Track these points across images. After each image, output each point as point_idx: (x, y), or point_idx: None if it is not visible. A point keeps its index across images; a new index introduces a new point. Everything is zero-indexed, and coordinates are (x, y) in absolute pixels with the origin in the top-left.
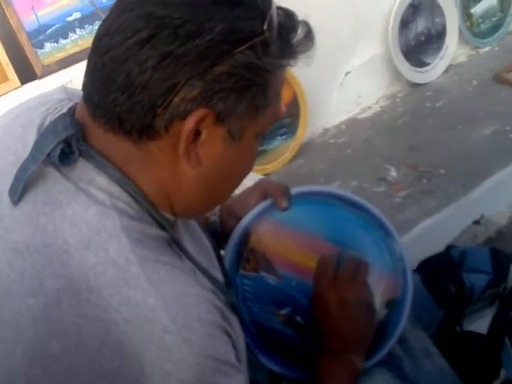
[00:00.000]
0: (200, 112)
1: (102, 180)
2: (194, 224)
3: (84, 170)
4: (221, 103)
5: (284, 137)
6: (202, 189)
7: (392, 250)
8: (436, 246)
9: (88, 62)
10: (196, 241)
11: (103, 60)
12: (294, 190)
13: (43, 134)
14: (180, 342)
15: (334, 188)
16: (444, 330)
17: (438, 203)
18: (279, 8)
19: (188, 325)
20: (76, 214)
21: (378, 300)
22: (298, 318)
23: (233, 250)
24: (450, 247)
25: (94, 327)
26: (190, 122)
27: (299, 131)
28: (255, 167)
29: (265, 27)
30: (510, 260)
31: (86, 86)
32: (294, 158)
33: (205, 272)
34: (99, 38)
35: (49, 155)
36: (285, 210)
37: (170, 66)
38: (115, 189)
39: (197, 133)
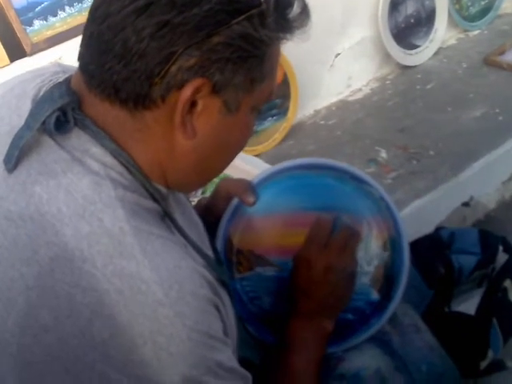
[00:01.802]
0: (197, 82)
1: (96, 150)
2: (184, 200)
3: (79, 139)
4: (217, 73)
5: (275, 118)
6: (196, 161)
7: (370, 194)
8: (425, 228)
9: (84, 32)
10: (186, 216)
11: (100, 28)
12: (255, 179)
13: (39, 102)
14: (173, 315)
15: (290, 161)
16: (433, 310)
17: (427, 185)
18: None
19: (181, 298)
20: (71, 183)
21: (376, 246)
22: None
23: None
24: (439, 228)
25: (86, 297)
26: (186, 92)
27: (290, 112)
28: (247, 148)
29: None
30: (499, 241)
31: (81, 55)
32: (284, 139)
33: (195, 247)
34: (96, 7)
35: (44, 123)
36: (253, 204)
37: (168, 35)
38: (109, 159)
39: (193, 103)
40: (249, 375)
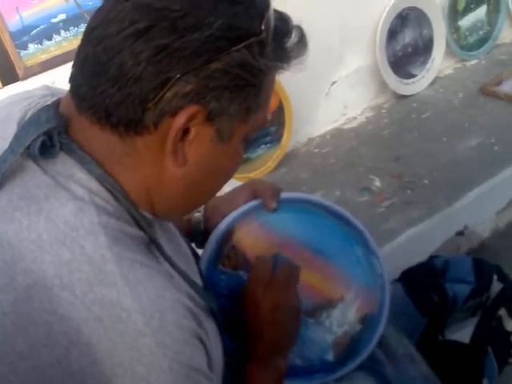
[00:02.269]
0: (192, 109)
1: (82, 175)
2: (172, 228)
3: (64, 164)
4: (213, 101)
5: (268, 145)
6: (185, 189)
7: (373, 267)
8: (419, 256)
9: (77, 53)
10: (174, 244)
11: (95, 50)
12: (284, 195)
13: (24, 126)
14: (154, 345)
15: (322, 198)
16: (426, 338)
17: (421, 214)
18: (275, 11)
19: (163, 328)
20: (53, 209)
21: (354, 315)
22: None
23: (214, 244)
24: (433, 257)
25: (63, 325)
26: (180, 119)
27: (284, 140)
28: (238, 175)
29: (262, 27)
30: (493, 270)
31: (73, 77)
32: (277, 167)
33: (183, 274)
34: (92, 29)
35: (29, 148)
36: (273, 210)
37: (165, 60)
38: (95, 184)
39: (185, 131)
40: None
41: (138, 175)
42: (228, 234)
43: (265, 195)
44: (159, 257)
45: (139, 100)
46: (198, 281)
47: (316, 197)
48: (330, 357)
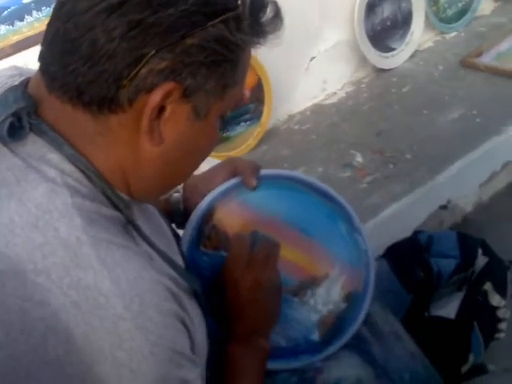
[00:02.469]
0: (167, 86)
1: (53, 156)
2: (151, 209)
3: (34, 145)
4: (189, 78)
5: (248, 123)
6: (161, 168)
7: (357, 244)
8: (402, 232)
9: (47, 30)
10: (153, 225)
11: (66, 27)
12: (264, 172)
13: None
14: (134, 329)
15: (303, 174)
16: (412, 315)
17: (403, 188)
18: None
19: (143, 312)
20: (24, 192)
21: (338, 293)
22: None
23: (195, 225)
24: (417, 232)
25: (39, 311)
26: (156, 96)
27: (263, 117)
28: (218, 154)
29: (238, 2)
30: (478, 244)
31: (42, 55)
32: (258, 145)
33: (163, 255)
34: (61, 5)
35: None
36: (254, 188)
37: (139, 36)
38: (67, 165)
39: (161, 109)
40: None
41: (112, 155)
42: (208, 213)
43: (244, 173)
44: (137, 238)
45: (113, 77)
46: (180, 262)
47: (297, 173)
48: (316, 336)
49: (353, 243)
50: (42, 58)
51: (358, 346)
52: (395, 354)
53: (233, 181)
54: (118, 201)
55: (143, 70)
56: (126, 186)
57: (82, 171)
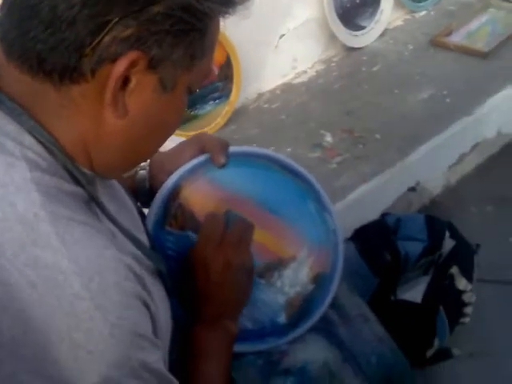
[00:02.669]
0: (132, 55)
1: (11, 128)
2: (116, 185)
3: None
4: (155, 47)
5: (217, 101)
6: (125, 142)
7: (325, 223)
8: (371, 214)
9: None
10: (118, 202)
11: None
12: (233, 149)
13: None
14: (93, 309)
15: (272, 152)
16: (378, 298)
17: (373, 169)
18: None
19: (103, 291)
20: None
21: (306, 274)
22: None
23: (160, 204)
24: (384, 214)
25: None
26: (120, 66)
27: (232, 96)
28: (186, 133)
29: None
30: (445, 227)
31: (0, 22)
32: (227, 124)
33: (127, 234)
34: None
35: None
36: (222, 166)
37: (101, 2)
38: (26, 137)
39: (126, 80)
40: (175, 381)
41: (74, 128)
42: (174, 192)
43: (213, 150)
44: (100, 215)
45: (74, 45)
46: (145, 241)
47: (267, 150)
48: (282, 319)
49: (322, 223)
50: None
51: (324, 328)
52: (362, 337)
53: (201, 158)
54: (80, 176)
55: (106, 38)
56: (89, 160)
57: (43, 144)
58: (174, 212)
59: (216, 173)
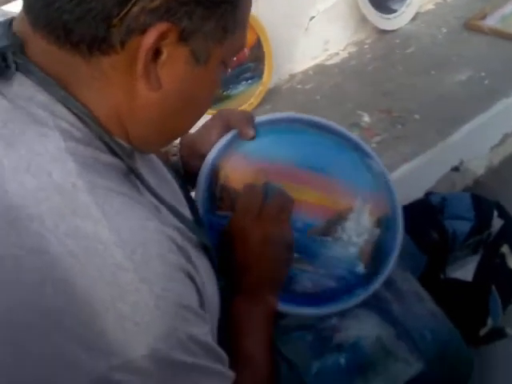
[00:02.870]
0: (161, 26)
1: (43, 98)
2: (155, 159)
3: (22, 86)
4: (185, 19)
5: (249, 81)
6: (159, 116)
7: (371, 168)
8: (414, 194)
9: None
10: (158, 175)
11: None
12: (258, 119)
13: None
14: (137, 281)
15: (295, 113)
16: (428, 276)
17: (413, 149)
18: None
19: (146, 262)
20: (12, 134)
21: (368, 221)
22: None
23: (204, 190)
24: (428, 194)
25: (34, 260)
26: (149, 38)
27: (265, 76)
28: None
29: None
30: (493, 207)
31: None
32: (260, 104)
33: (169, 207)
34: None
35: None
36: (252, 139)
37: None
38: (59, 108)
39: (157, 52)
40: (225, 355)
41: (107, 100)
42: (213, 175)
43: (239, 124)
44: (141, 188)
45: (102, 16)
46: (188, 214)
47: (292, 113)
48: (361, 268)
49: (367, 169)
50: None
51: (376, 305)
52: (415, 312)
53: (229, 135)
54: (118, 147)
55: (134, 9)
56: (125, 133)
57: (76, 114)
58: (219, 195)
59: (248, 146)
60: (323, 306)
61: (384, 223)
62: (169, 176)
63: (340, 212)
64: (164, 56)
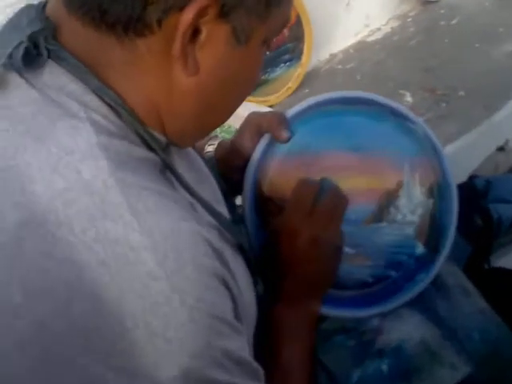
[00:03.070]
0: (201, 2)
1: (75, 87)
2: (193, 154)
3: (53, 74)
4: None
5: (287, 64)
6: (198, 103)
7: (413, 132)
8: (458, 176)
9: None
10: (196, 172)
11: None
12: (289, 113)
13: (2, 33)
14: (169, 290)
15: (323, 95)
16: (472, 267)
17: (459, 128)
18: None
19: (179, 270)
20: (41, 128)
21: (420, 191)
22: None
23: (250, 207)
24: (473, 177)
25: (61, 270)
26: (188, 14)
27: (304, 57)
28: (257, 99)
29: None
30: None
31: None
32: (299, 88)
33: (206, 206)
34: None
35: (11, 57)
36: (288, 140)
37: None
38: (91, 98)
39: (195, 31)
40: (261, 370)
41: (142, 87)
42: (256, 191)
43: (271, 128)
44: (176, 184)
45: None
46: (226, 214)
47: (318, 96)
48: (420, 249)
49: (409, 133)
50: None
51: (420, 302)
52: (462, 310)
53: (263, 141)
54: (153, 141)
55: None
56: (161, 124)
57: (109, 105)
58: (266, 208)
59: (286, 146)
60: (388, 302)
61: (437, 191)
62: (207, 172)
63: (389, 191)
64: (203, 35)
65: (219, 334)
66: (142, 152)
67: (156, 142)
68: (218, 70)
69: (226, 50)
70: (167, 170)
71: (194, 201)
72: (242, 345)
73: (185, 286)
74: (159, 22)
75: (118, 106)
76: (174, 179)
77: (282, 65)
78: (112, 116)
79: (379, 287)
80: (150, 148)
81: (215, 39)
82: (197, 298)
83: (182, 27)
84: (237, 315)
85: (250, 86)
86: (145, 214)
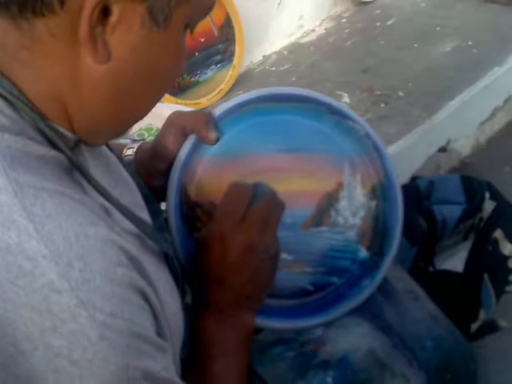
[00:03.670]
0: None
1: None
2: (110, 154)
3: None
4: None
5: (219, 66)
6: (111, 94)
7: (353, 131)
8: (400, 177)
9: None
10: (113, 174)
11: None
12: (217, 112)
13: None
14: (75, 305)
15: (257, 91)
16: (416, 270)
17: (399, 128)
18: None
19: (87, 281)
20: None
21: (361, 193)
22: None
23: (175, 215)
24: (415, 178)
25: None
26: None
27: (236, 58)
28: (188, 101)
29: None
30: (484, 188)
31: None
32: (231, 90)
33: (124, 210)
34: None
35: None
36: (216, 141)
37: None
38: None
39: (105, 12)
40: None
41: (43, 76)
42: (181, 196)
43: (196, 128)
44: (87, 186)
45: None
46: (147, 219)
47: (253, 92)
48: (363, 253)
49: (349, 132)
50: None
51: (367, 310)
52: (412, 317)
53: (188, 144)
54: (57, 138)
55: None
56: (67, 119)
57: (4, 97)
58: (193, 215)
59: (213, 148)
60: (331, 310)
61: (380, 192)
62: (125, 175)
63: (329, 193)
64: (114, 17)
65: (139, 353)
66: (42, 150)
67: (61, 138)
68: (132, 56)
69: (142, 34)
70: (75, 170)
71: (108, 205)
72: (165, 364)
73: (94, 300)
74: (61, 1)
75: (13, 97)
76: (83, 181)
77: (213, 66)
78: (6, 109)
79: (321, 295)
80: (54, 145)
81: (128, 21)
82: (109, 313)
83: (89, 6)
84: (159, 331)
85: (171, 75)
86: (43, 219)
